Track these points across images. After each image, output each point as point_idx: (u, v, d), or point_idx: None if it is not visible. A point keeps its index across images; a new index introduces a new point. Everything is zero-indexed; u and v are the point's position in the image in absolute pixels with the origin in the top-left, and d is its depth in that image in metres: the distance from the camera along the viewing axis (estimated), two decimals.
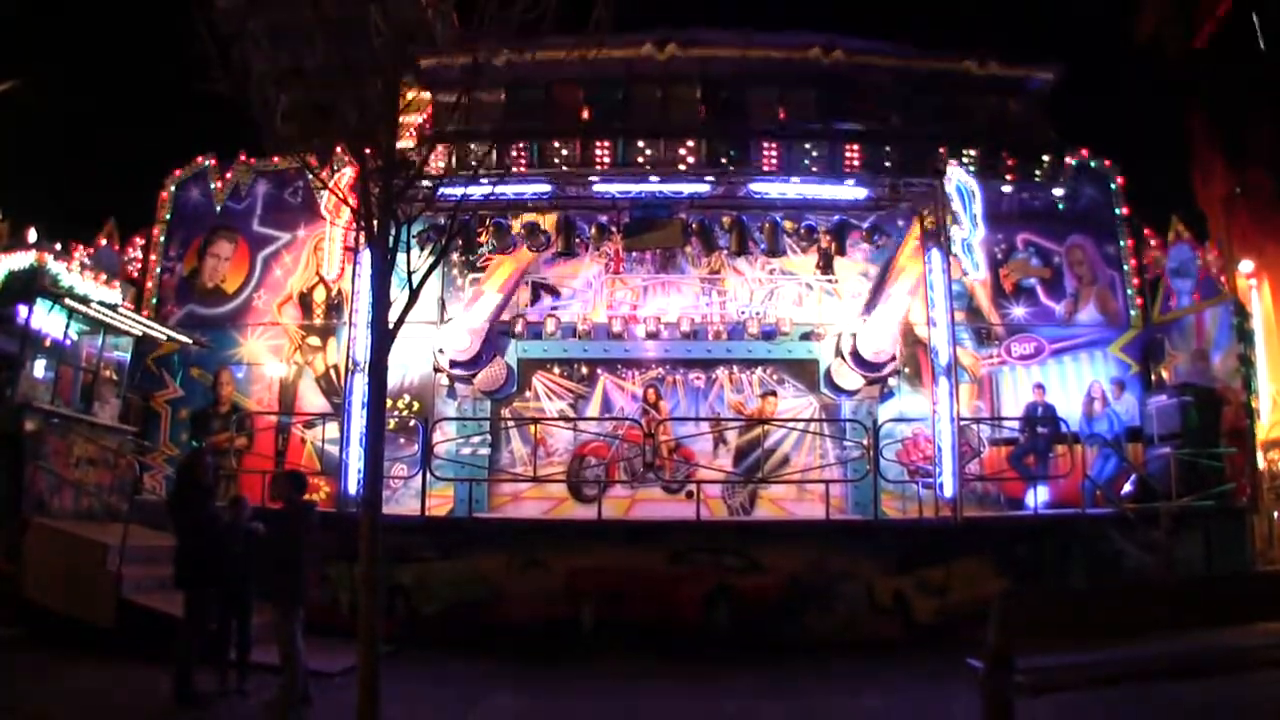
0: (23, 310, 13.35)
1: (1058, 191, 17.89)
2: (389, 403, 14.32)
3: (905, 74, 17.53)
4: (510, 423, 17.27)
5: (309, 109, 9.37)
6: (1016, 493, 16.27)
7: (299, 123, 9.38)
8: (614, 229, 16.51)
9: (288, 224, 18.09)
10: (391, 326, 8.06)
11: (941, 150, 16.22)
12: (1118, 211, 18.23)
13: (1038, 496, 15.34)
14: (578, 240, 16.85)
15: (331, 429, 15.94)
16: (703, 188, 16.17)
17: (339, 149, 13.92)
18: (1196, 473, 14.60)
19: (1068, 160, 17.88)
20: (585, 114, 17.74)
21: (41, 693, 9.33)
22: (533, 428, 16.65)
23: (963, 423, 14.92)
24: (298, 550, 9.26)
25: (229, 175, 18.35)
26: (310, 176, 16.26)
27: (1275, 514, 15.32)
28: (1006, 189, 17.59)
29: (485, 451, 16.85)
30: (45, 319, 13.76)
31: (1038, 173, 17.37)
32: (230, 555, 9.60)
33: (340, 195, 12.51)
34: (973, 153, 16.76)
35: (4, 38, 21.44)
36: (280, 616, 9.12)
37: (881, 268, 17.88)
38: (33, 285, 13.38)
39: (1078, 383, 17.37)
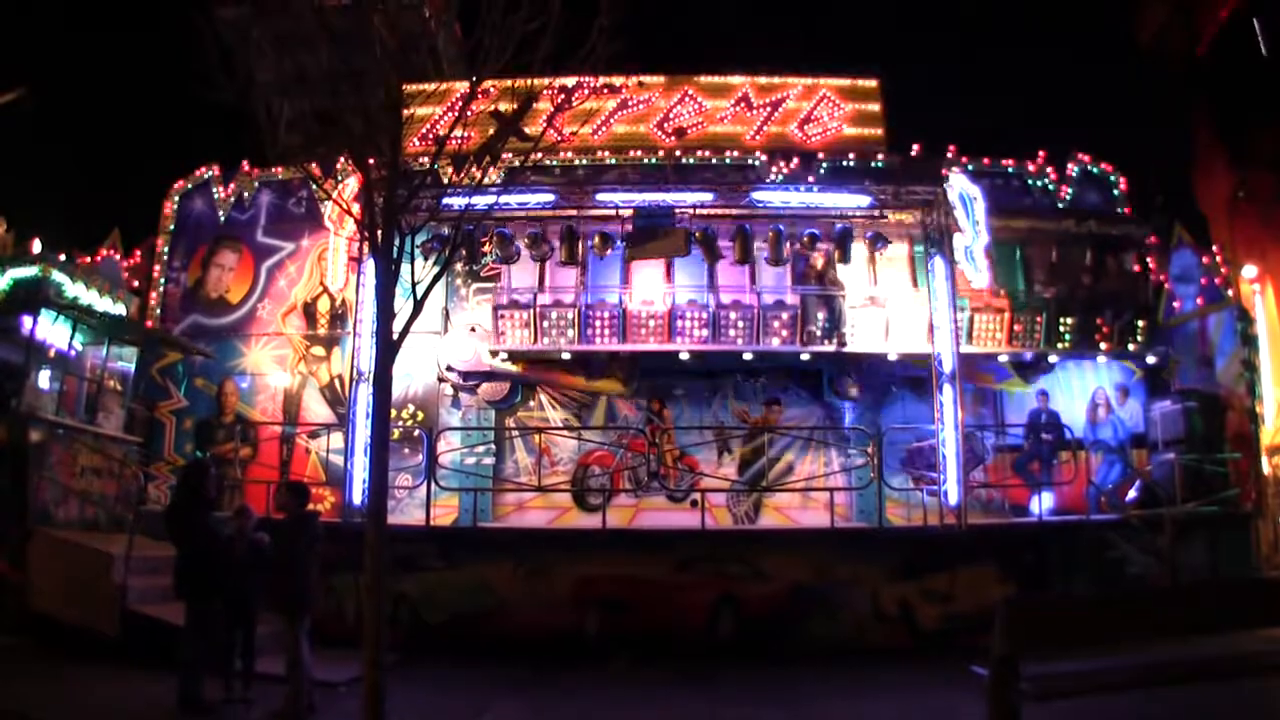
0: (27, 321, 13.38)
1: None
2: (393, 413, 14.31)
3: (1007, 231, 16.81)
4: (514, 432, 17.26)
5: (312, 118, 9.41)
6: (1021, 499, 16.24)
7: (302, 132, 9.42)
8: (618, 238, 16.49)
9: (292, 234, 18.08)
10: (396, 337, 8.08)
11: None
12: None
13: (1042, 503, 15.32)
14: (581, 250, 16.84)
15: (336, 439, 15.94)
16: (706, 196, 16.20)
17: (343, 159, 13.99)
18: (1201, 478, 14.60)
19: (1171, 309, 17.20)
20: None
21: (46, 700, 9.32)
22: (537, 437, 16.68)
23: (967, 430, 14.94)
24: (301, 560, 9.30)
25: (233, 185, 18.34)
26: (314, 187, 16.33)
27: None
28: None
29: (490, 461, 16.82)
30: (50, 329, 13.80)
31: (1132, 343, 16.46)
32: (233, 565, 9.61)
33: (344, 206, 12.58)
34: (1070, 321, 16.23)
35: (8, 47, 21.54)
36: (285, 626, 9.15)
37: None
38: (37, 296, 13.41)
39: (1082, 389, 17.33)
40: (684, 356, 16.19)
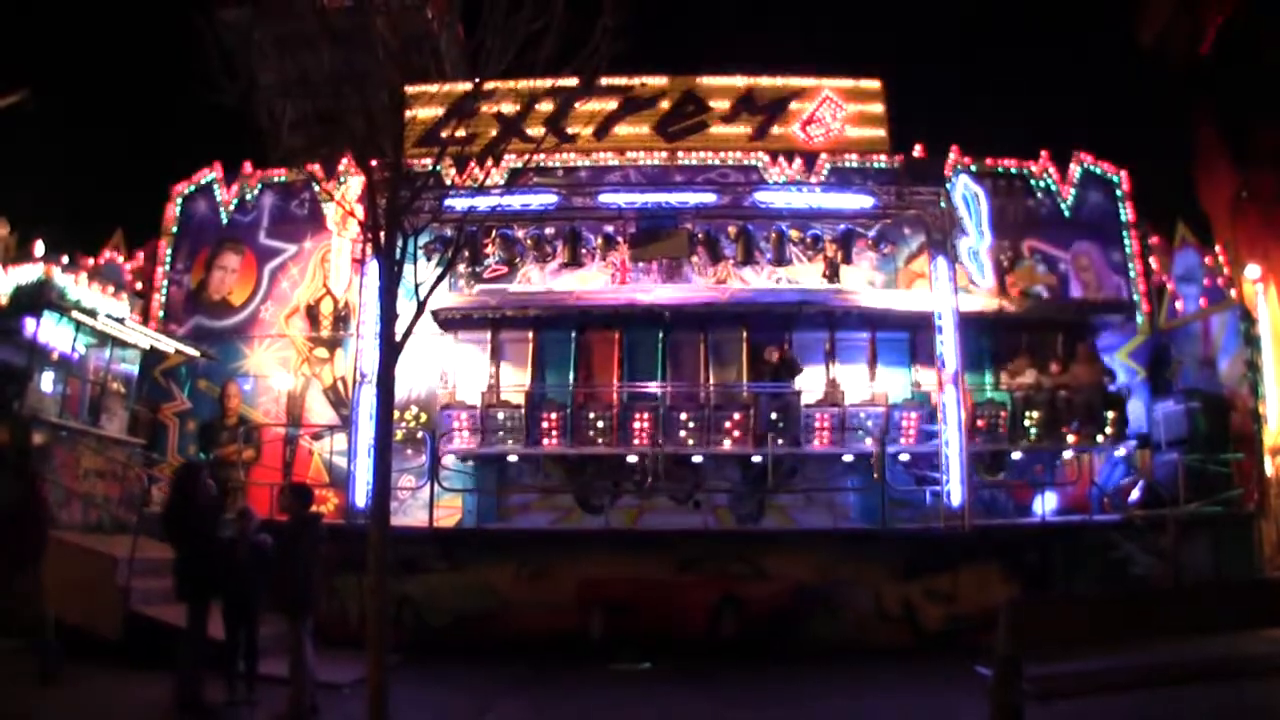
0: (30, 323, 13.38)
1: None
2: (396, 414, 14.31)
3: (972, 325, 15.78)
4: None
5: (314, 120, 9.43)
6: (1025, 500, 16.22)
7: (305, 134, 9.43)
8: (620, 239, 16.51)
9: (294, 236, 18.09)
10: (399, 339, 8.08)
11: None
12: (1123, 217, 18.19)
13: (1046, 504, 15.30)
14: (584, 250, 16.82)
15: (339, 441, 15.93)
16: (708, 198, 16.19)
17: (345, 161, 14.01)
18: (1204, 479, 14.59)
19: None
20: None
21: (47, 701, 9.35)
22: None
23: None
24: (304, 561, 9.30)
25: (235, 187, 18.36)
26: (316, 188, 16.34)
27: None
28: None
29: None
30: (53, 332, 13.81)
31: (1102, 435, 15.34)
32: (235, 567, 9.61)
33: (346, 208, 12.59)
34: (1035, 415, 15.22)
35: (12, 50, 21.57)
36: (288, 627, 9.16)
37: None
38: (40, 298, 13.41)
39: None
40: (631, 459, 15.28)
